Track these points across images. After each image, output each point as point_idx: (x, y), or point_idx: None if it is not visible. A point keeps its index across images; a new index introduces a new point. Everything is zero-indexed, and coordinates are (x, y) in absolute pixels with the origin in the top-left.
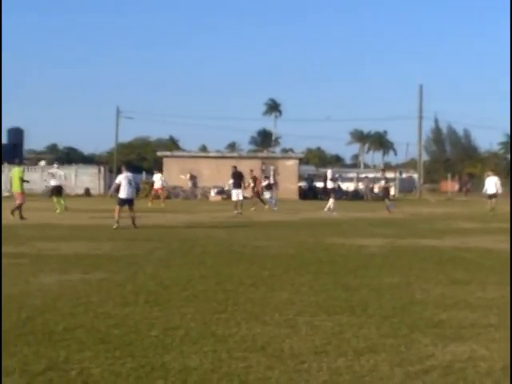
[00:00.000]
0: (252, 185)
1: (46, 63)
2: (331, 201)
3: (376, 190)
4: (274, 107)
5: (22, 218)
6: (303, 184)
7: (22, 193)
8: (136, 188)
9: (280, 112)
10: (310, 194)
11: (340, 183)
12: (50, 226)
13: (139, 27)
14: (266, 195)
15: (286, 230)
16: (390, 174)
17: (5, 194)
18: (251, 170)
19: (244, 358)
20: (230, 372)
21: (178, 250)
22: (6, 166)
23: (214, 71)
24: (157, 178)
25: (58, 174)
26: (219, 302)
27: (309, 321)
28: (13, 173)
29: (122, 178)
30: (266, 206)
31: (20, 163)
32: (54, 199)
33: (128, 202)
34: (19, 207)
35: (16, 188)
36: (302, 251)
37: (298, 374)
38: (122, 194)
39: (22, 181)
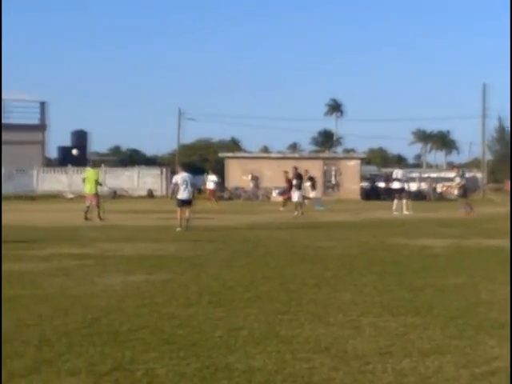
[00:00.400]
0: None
1: (110, 66)
2: (403, 201)
3: (439, 189)
4: (335, 107)
5: (86, 219)
6: (365, 184)
7: (96, 194)
8: (194, 189)
9: (341, 112)
10: (372, 194)
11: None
12: (114, 227)
13: (201, 28)
14: (311, 195)
15: (349, 231)
16: (451, 174)
17: (69, 195)
18: (306, 171)
19: (308, 358)
20: (294, 373)
21: (240, 251)
22: (70, 169)
23: (276, 72)
24: (210, 179)
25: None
26: (282, 302)
27: (373, 322)
28: (87, 174)
29: (179, 179)
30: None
31: (93, 165)
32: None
33: (186, 202)
34: (98, 207)
35: (91, 190)
36: (365, 252)
37: (363, 376)
38: (180, 195)
39: (97, 183)
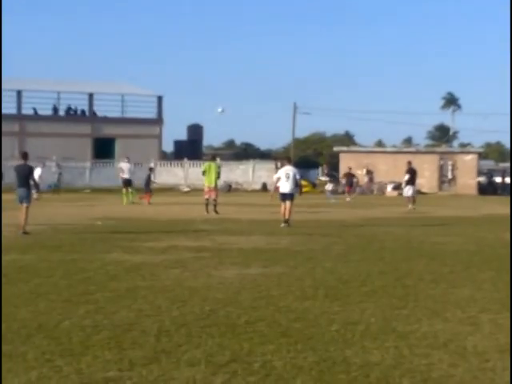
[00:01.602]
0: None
1: (225, 61)
2: None
3: None
4: (451, 101)
5: (207, 212)
6: (482, 179)
7: (216, 188)
8: (297, 183)
9: (459, 106)
10: (489, 189)
11: None
12: (230, 220)
13: (317, 22)
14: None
15: (465, 226)
16: None
17: (185, 189)
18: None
19: (426, 354)
20: (412, 368)
21: (355, 246)
22: (186, 162)
23: (391, 66)
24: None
25: (127, 168)
26: (399, 297)
27: (492, 318)
28: (210, 167)
29: (281, 172)
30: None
31: (212, 158)
32: (124, 191)
33: (288, 196)
34: (215, 201)
35: (211, 182)
36: (483, 247)
37: (483, 373)
38: (281, 189)
39: (217, 176)
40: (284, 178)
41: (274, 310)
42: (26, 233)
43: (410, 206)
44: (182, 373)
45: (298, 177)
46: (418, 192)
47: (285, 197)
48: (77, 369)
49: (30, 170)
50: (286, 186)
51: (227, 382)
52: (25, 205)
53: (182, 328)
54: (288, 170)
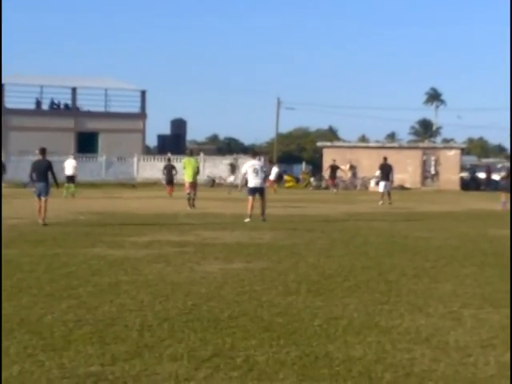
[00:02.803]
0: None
1: (209, 56)
2: None
3: None
4: (435, 96)
5: (190, 206)
6: (465, 175)
7: (194, 183)
8: (265, 176)
9: (442, 101)
10: (471, 184)
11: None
12: (213, 214)
13: (299, 19)
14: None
15: (448, 221)
16: None
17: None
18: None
19: (408, 349)
20: (395, 363)
21: (338, 240)
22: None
23: (372, 60)
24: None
25: (72, 165)
26: (382, 292)
27: (474, 313)
28: (189, 162)
29: (248, 167)
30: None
31: (190, 154)
32: (66, 185)
33: (259, 190)
34: (194, 195)
35: (189, 178)
36: (465, 243)
37: (465, 368)
38: (250, 183)
39: (196, 171)
40: (252, 172)
41: (256, 305)
42: (45, 224)
43: (381, 202)
44: (165, 367)
45: (265, 170)
46: (401, 187)
47: (255, 191)
48: (59, 363)
49: (49, 165)
50: (255, 181)
51: (210, 376)
52: (43, 198)
53: (164, 323)
54: (254, 164)
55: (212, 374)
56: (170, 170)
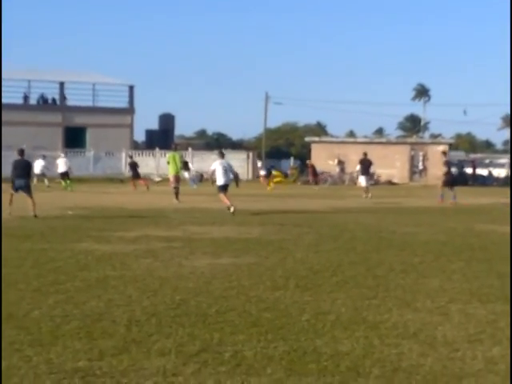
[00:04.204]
0: None
1: (195, 49)
2: None
3: None
4: (422, 92)
5: (178, 200)
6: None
7: (177, 176)
8: (233, 174)
9: (429, 97)
10: (459, 179)
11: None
12: (201, 209)
13: (289, 14)
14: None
15: (436, 216)
16: None
17: (156, 179)
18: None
19: (396, 344)
20: (383, 358)
21: (326, 236)
22: (157, 152)
23: (361, 56)
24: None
25: (63, 162)
26: (369, 287)
27: (462, 308)
28: (174, 157)
29: (217, 165)
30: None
31: (174, 149)
32: (63, 183)
33: (227, 187)
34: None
35: (172, 171)
36: (453, 238)
37: (452, 362)
38: (220, 181)
39: (179, 165)
40: (221, 170)
41: (244, 300)
42: (36, 216)
43: (365, 195)
44: (153, 362)
45: (233, 169)
46: (389, 183)
47: (224, 188)
48: (46, 359)
49: (28, 164)
50: (224, 178)
51: (198, 371)
52: (28, 196)
53: (152, 318)
54: (223, 163)
55: (200, 369)
56: (133, 166)
